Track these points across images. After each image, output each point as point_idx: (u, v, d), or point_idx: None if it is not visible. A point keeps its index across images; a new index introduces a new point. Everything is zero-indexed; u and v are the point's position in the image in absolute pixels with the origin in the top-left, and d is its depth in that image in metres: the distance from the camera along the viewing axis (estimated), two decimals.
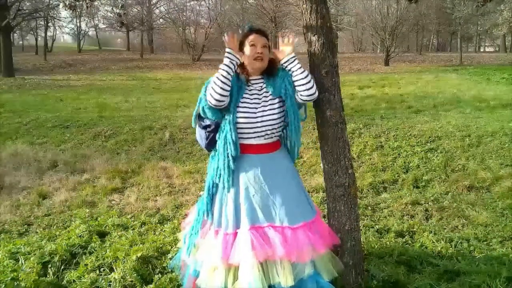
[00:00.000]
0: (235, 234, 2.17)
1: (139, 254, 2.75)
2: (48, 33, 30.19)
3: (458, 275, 2.60)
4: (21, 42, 38.75)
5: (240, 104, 2.19)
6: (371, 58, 25.50)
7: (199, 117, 2.34)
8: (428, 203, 4.00)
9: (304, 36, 2.47)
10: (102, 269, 2.72)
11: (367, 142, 5.78)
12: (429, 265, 2.75)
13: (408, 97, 9.19)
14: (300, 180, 2.43)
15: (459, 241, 3.16)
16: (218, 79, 2.12)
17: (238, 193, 2.21)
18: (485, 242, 3.19)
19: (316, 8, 2.31)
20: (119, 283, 2.50)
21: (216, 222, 2.24)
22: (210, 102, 2.15)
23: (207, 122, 2.27)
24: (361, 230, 2.94)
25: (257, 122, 2.19)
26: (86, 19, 34.86)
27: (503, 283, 2.38)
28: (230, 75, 2.14)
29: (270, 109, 2.20)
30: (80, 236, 3.18)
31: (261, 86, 2.25)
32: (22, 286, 2.50)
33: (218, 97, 2.11)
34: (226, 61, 2.16)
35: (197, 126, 2.35)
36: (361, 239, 2.66)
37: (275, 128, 2.23)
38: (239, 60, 2.19)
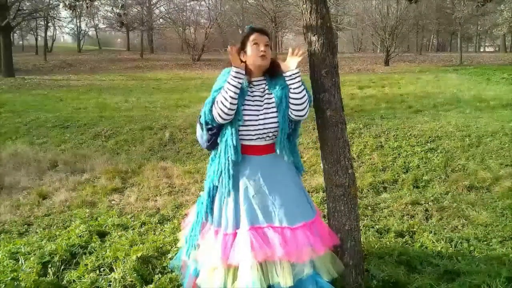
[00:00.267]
0: (235, 234, 2.16)
1: (139, 254, 2.75)
2: (48, 33, 30.26)
3: (458, 275, 2.60)
4: (21, 42, 38.79)
5: (242, 107, 2.17)
6: (371, 58, 25.51)
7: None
8: (428, 203, 4.00)
9: (304, 36, 2.47)
10: (102, 269, 2.71)
11: (367, 142, 5.78)
12: (429, 265, 2.75)
13: (408, 97, 9.19)
14: (300, 180, 2.42)
15: (459, 241, 3.16)
16: (227, 100, 2.09)
17: (238, 194, 2.21)
18: (485, 242, 3.19)
19: (316, 8, 2.31)
20: (119, 283, 2.50)
21: (216, 222, 2.25)
22: (217, 120, 2.15)
23: (210, 126, 2.27)
24: (361, 230, 2.94)
25: (259, 124, 2.18)
26: (86, 19, 34.92)
27: (503, 283, 2.38)
28: (238, 94, 2.11)
29: (273, 112, 2.19)
30: (80, 236, 3.18)
31: (264, 88, 2.24)
32: (22, 286, 2.50)
33: (225, 116, 2.11)
34: (234, 81, 2.10)
35: (199, 127, 2.35)
36: (361, 239, 2.66)
37: (277, 130, 2.22)
38: (244, 75, 2.16)
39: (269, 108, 2.20)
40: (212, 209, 2.28)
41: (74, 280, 2.60)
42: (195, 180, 4.85)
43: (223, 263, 2.11)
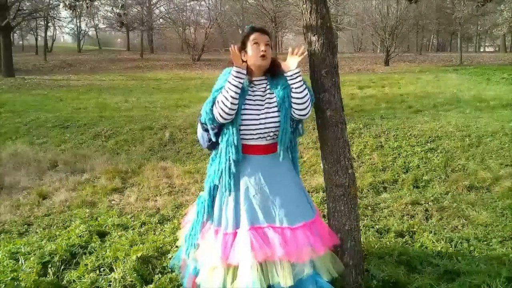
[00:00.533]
0: (235, 234, 2.17)
1: (139, 254, 2.75)
2: (48, 33, 30.26)
3: (458, 275, 2.60)
4: (21, 42, 38.78)
5: (243, 107, 2.17)
6: (371, 58, 25.51)
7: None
8: (428, 203, 4.00)
9: (304, 36, 2.46)
10: (102, 269, 2.71)
11: (367, 142, 5.78)
12: (429, 265, 2.75)
13: (408, 97, 9.19)
14: (300, 180, 2.43)
15: (459, 241, 3.16)
16: (227, 100, 2.09)
17: (238, 193, 2.21)
18: (485, 242, 3.19)
19: (316, 8, 2.31)
20: (119, 283, 2.50)
21: (216, 221, 2.25)
22: (218, 120, 2.15)
23: (210, 125, 2.27)
24: (361, 230, 2.94)
25: (261, 124, 2.18)
26: (86, 19, 34.92)
27: (503, 283, 2.38)
28: (239, 93, 2.11)
29: (274, 111, 2.19)
30: (80, 236, 3.18)
31: (265, 88, 2.24)
32: (22, 286, 2.50)
33: (226, 116, 2.11)
34: (234, 81, 2.10)
35: (200, 127, 2.35)
36: (361, 239, 2.66)
37: (278, 130, 2.22)
38: (245, 75, 2.16)
39: (270, 107, 2.20)
40: (212, 208, 2.29)
41: (74, 280, 2.60)
42: (195, 180, 4.85)
43: (223, 263, 2.11)
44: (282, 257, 2.06)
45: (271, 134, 2.21)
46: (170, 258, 2.78)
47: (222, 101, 2.11)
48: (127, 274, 2.56)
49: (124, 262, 2.71)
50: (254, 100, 2.21)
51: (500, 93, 9.47)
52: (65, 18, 38.92)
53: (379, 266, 2.66)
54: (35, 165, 5.46)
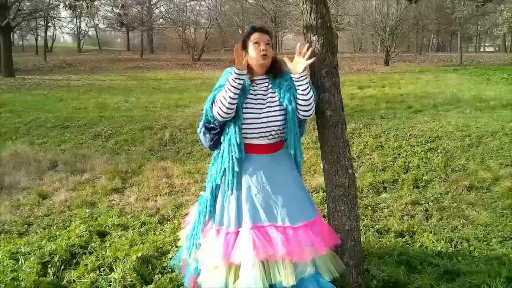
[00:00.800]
0: (237, 233, 2.17)
1: (139, 254, 2.75)
2: (48, 33, 30.26)
3: (458, 275, 2.60)
4: (21, 42, 38.78)
5: (245, 106, 2.18)
6: (371, 58, 25.51)
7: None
8: (428, 203, 4.00)
9: (304, 36, 2.47)
10: (102, 269, 2.71)
11: (367, 142, 5.78)
12: (429, 265, 2.75)
13: (408, 97, 9.19)
14: (301, 180, 2.43)
15: (459, 241, 3.16)
16: (226, 99, 2.09)
17: (240, 193, 2.22)
18: (485, 242, 3.19)
19: (316, 8, 2.31)
20: (119, 283, 2.50)
21: (218, 221, 2.25)
22: (217, 118, 2.16)
23: (212, 124, 2.27)
24: (361, 230, 2.94)
25: (262, 123, 2.18)
26: (86, 19, 34.92)
27: (503, 283, 2.38)
28: (237, 94, 2.12)
29: (276, 110, 2.20)
30: (80, 236, 3.18)
31: (267, 87, 2.24)
32: (22, 286, 2.50)
33: (224, 115, 2.13)
34: (234, 83, 2.09)
35: (201, 126, 2.35)
36: (361, 239, 2.66)
37: (280, 129, 2.23)
38: (245, 75, 2.16)
39: (272, 107, 2.20)
40: (214, 208, 2.29)
41: (74, 280, 2.60)
42: (195, 180, 4.85)
43: (225, 262, 2.12)
44: (284, 256, 2.06)
45: (273, 133, 2.22)
46: (170, 258, 2.78)
47: (220, 100, 2.12)
48: (127, 274, 2.56)
49: (124, 262, 2.71)
50: (255, 100, 2.21)
51: (500, 93, 9.48)
52: (65, 18, 39.01)
53: (379, 266, 2.66)
54: (35, 165, 5.46)
